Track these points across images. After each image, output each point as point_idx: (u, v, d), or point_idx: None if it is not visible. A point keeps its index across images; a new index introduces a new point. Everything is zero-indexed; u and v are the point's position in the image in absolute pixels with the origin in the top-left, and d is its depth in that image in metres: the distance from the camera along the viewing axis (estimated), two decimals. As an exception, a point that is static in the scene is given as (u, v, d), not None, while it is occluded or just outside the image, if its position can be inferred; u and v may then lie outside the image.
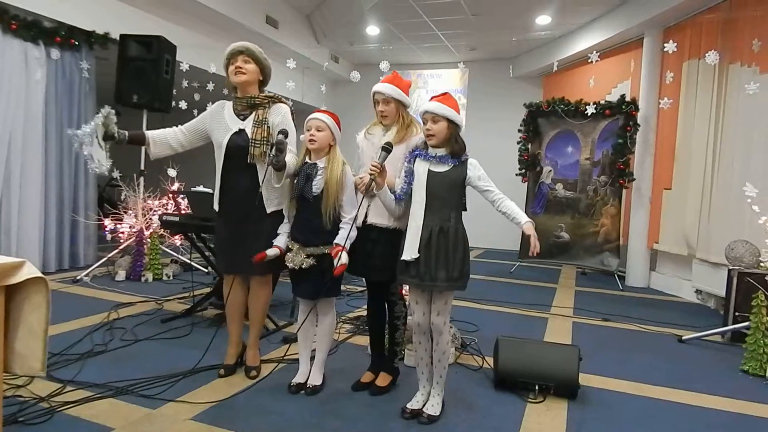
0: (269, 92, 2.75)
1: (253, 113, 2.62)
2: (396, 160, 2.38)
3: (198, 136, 2.75)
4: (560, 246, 6.55)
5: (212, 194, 2.76)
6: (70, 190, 5.26)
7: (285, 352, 2.97)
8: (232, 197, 2.64)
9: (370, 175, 2.19)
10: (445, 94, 2.32)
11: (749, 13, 4.67)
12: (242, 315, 2.84)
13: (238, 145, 2.59)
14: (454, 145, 2.27)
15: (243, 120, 2.64)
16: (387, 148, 2.28)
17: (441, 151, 2.28)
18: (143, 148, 3.01)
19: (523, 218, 2.24)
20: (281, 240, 2.55)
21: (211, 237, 3.83)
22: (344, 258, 2.35)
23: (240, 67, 2.60)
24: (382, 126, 2.55)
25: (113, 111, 2.45)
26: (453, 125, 2.25)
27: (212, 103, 2.85)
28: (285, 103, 2.73)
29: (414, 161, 2.32)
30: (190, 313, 3.78)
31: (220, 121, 2.68)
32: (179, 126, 2.77)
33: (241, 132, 2.61)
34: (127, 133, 2.55)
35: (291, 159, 2.50)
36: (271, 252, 2.51)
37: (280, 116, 2.63)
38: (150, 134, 2.67)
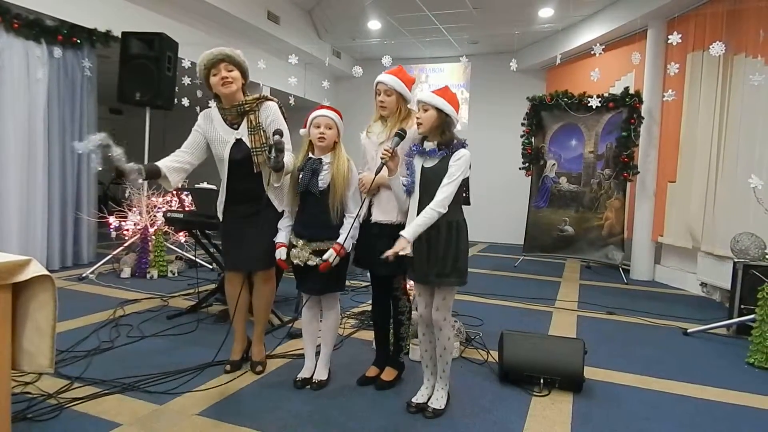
0: (253, 94, 2.63)
1: (245, 120, 2.57)
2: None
3: (201, 150, 2.66)
4: (564, 240, 6.53)
5: (216, 191, 2.75)
6: (73, 189, 5.27)
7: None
8: (240, 202, 2.63)
9: (382, 159, 2.23)
10: (443, 87, 2.34)
11: (754, 3, 4.63)
12: (246, 311, 2.85)
13: (240, 158, 2.56)
14: (441, 135, 2.27)
15: (236, 129, 2.59)
16: (400, 134, 2.32)
17: (431, 145, 2.29)
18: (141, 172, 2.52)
19: (407, 232, 2.14)
20: (282, 236, 2.56)
21: (214, 234, 3.84)
22: (333, 258, 2.37)
23: (226, 78, 2.48)
24: (381, 122, 2.56)
25: (109, 141, 2.21)
26: (442, 115, 2.24)
27: (212, 101, 2.81)
28: (272, 99, 2.66)
29: (414, 156, 2.33)
30: (195, 310, 3.80)
31: (214, 134, 2.62)
32: (178, 149, 2.64)
33: (239, 142, 2.57)
34: (143, 168, 2.35)
35: (289, 158, 2.48)
36: (282, 253, 2.52)
37: (270, 115, 2.57)
38: (164, 165, 2.48)
